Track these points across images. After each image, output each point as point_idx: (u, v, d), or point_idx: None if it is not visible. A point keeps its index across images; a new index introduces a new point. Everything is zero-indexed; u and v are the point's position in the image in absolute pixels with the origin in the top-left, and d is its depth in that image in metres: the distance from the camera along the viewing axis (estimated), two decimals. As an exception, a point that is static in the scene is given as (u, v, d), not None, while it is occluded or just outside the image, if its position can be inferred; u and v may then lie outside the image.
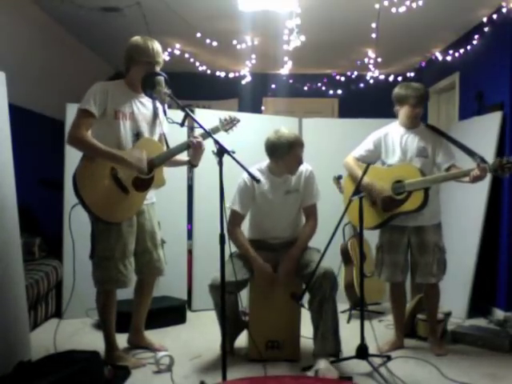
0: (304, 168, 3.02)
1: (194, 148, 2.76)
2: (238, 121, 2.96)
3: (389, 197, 2.98)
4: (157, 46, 2.72)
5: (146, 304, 3.06)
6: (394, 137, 3.08)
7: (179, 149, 2.77)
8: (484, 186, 3.78)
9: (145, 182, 2.68)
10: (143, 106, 2.79)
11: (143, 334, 3.10)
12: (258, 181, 2.52)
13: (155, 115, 2.84)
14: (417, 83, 3.06)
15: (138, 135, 2.72)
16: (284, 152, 2.86)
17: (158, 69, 2.70)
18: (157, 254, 2.89)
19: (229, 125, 2.93)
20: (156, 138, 2.85)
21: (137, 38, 2.73)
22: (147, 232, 2.85)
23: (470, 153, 2.86)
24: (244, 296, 2.97)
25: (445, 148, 2.98)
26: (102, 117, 2.60)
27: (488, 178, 3.41)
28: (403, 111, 3.04)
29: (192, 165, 2.88)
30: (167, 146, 2.86)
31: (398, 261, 3.06)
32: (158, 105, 2.85)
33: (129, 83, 2.75)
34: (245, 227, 3.07)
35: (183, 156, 2.89)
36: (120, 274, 2.68)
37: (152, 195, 2.91)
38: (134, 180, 2.64)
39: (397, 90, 3.04)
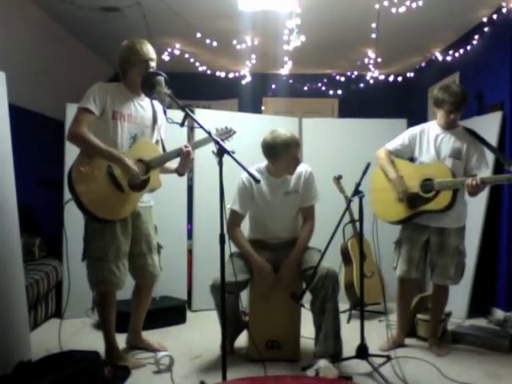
0: (304, 169, 3.01)
1: (182, 157, 2.76)
2: (234, 132, 2.98)
3: (416, 193, 2.97)
4: (146, 43, 2.74)
5: (143, 307, 3.06)
6: (429, 135, 3.06)
7: (170, 156, 2.78)
8: (484, 186, 3.78)
9: (140, 182, 2.69)
10: (142, 109, 2.79)
11: (141, 335, 3.10)
12: (257, 181, 2.52)
13: (154, 120, 2.84)
14: (456, 86, 2.99)
15: (135, 138, 2.72)
16: (280, 153, 2.85)
17: (153, 65, 2.72)
18: (151, 259, 2.89)
19: (225, 135, 2.93)
20: (153, 142, 2.86)
21: (126, 42, 2.76)
22: (143, 235, 2.85)
23: (503, 158, 2.86)
24: (244, 296, 2.97)
25: (480, 154, 2.95)
26: (100, 116, 2.61)
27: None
28: (439, 115, 3.03)
29: (179, 173, 2.86)
30: (164, 151, 2.86)
31: (413, 257, 3.06)
32: (157, 109, 2.86)
33: (128, 86, 2.76)
34: (245, 227, 3.08)
35: (172, 164, 2.88)
36: (113, 275, 2.68)
37: (149, 198, 2.91)
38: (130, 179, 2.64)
39: (435, 93, 3.01)
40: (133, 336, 3.08)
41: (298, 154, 2.92)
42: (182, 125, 2.43)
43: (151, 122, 2.83)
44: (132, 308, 3.06)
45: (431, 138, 3.05)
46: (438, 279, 3.05)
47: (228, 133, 2.96)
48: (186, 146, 2.76)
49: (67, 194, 2.58)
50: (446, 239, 3.00)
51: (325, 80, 5.87)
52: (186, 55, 5.08)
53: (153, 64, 2.72)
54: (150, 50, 2.74)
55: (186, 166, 2.83)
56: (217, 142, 2.30)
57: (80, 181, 2.49)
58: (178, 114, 2.49)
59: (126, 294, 3.05)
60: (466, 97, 2.99)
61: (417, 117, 4.87)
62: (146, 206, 2.87)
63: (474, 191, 2.77)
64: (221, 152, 2.27)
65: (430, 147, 3.04)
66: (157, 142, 2.89)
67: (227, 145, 2.32)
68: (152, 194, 2.92)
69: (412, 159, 3.13)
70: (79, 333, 3.46)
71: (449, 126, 3.03)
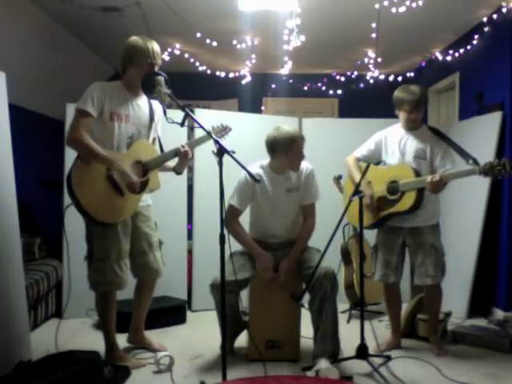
0: (305, 166, 3.02)
1: (180, 156, 2.78)
2: (230, 129, 3.00)
3: (383, 196, 2.99)
4: (156, 46, 2.72)
5: (145, 305, 3.05)
6: (394, 138, 3.08)
7: (168, 156, 2.79)
8: (484, 185, 3.78)
9: (139, 186, 2.68)
10: (139, 109, 2.78)
11: (143, 333, 3.09)
12: (257, 181, 2.52)
13: (151, 118, 2.83)
14: (415, 86, 2.98)
15: (132, 138, 2.72)
16: (287, 147, 2.86)
17: (157, 69, 2.70)
18: (153, 256, 2.89)
19: (221, 132, 2.94)
20: (150, 141, 2.85)
21: (136, 39, 2.72)
22: (142, 234, 2.85)
23: (462, 154, 2.86)
24: (244, 296, 2.97)
25: (444, 152, 2.95)
26: (98, 118, 2.60)
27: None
28: (401, 115, 3.04)
29: (176, 172, 2.88)
30: (161, 149, 2.87)
31: (390, 261, 3.06)
32: (154, 108, 2.85)
33: (126, 84, 2.74)
34: (246, 227, 3.07)
35: (171, 162, 2.89)
36: (115, 276, 2.68)
37: (147, 197, 2.90)
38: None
39: (395, 93, 3.02)
40: (134, 334, 3.08)
41: (303, 148, 2.93)
42: (182, 125, 2.43)
43: (148, 121, 2.82)
44: (134, 306, 3.06)
45: (395, 141, 3.07)
46: (419, 279, 3.03)
47: (224, 130, 2.97)
48: (182, 146, 2.77)
49: (68, 197, 2.58)
50: (421, 238, 2.99)
51: (325, 80, 5.87)
52: (186, 55, 5.08)
53: (157, 68, 2.71)
54: (158, 53, 2.72)
55: (183, 165, 2.86)
56: (217, 142, 2.30)
57: (79, 185, 2.49)
58: (178, 114, 2.49)
59: (126, 294, 3.05)
60: (426, 96, 3.00)
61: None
62: (144, 206, 2.87)
63: (435, 188, 2.76)
64: (221, 152, 2.27)
65: (394, 150, 3.06)
66: (153, 140, 2.89)
67: (226, 144, 2.31)
68: (150, 194, 2.92)
69: (380, 163, 3.17)
70: (79, 333, 3.46)
71: (411, 127, 3.03)
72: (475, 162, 2.74)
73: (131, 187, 2.58)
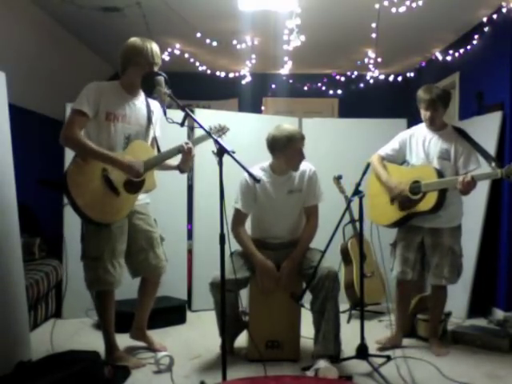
0: (308, 168, 3.02)
1: (184, 154, 2.77)
2: (228, 129, 2.99)
3: (406, 196, 2.99)
4: (155, 47, 2.72)
5: (148, 303, 3.05)
6: (418, 138, 3.08)
7: (170, 153, 2.78)
8: (484, 186, 3.78)
9: (135, 184, 2.68)
10: (137, 109, 2.77)
11: (145, 331, 3.09)
12: (257, 181, 2.52)
13: (149, 119, 2.83)
14: (437, 87, 3.01)
15: (129, 138, 2.71)
16: (285, 145, 2.85)
17: (156, 69, 2.70)
18: (153, 253, 2.88)
19: (218, 132, 2.94)
20: (148, 142, 2.85)
21: (135, 40, 2.72)
22: (141, 231, 2.84)
23: (486, 156, 2.86)
24: (244, 296, 2.97)
25: (467, 153, 2.94)
26: (93, 118, 2.60)
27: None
28: (421, 114, 3.06)
29: (181, 170, 2.87)
30: (158, 150, 2.86)
31: (408, 258, 3.07)
32: (153, 108, 2.85)
33: (124, 85, 2.74)
34: (247, 226, 3.07)
35: (173, 161, 2.88)
36: (108, 275, 2.67)
37: (145, 196, 2.90)
38: (125, 182, 2.63)
39: (418, 91, 3.04)
40: (137, 331, 3.07)
41: (302, 147, 2.92)
42: (182, 125, 2.43)
43: (146, 122, 2.82)
44: (137, 305, 3.05)
45: (420, 141, 3.07)
46: (433, 279, 3.05)
47: (221, 130, 2.97)
48: (186, 143, 2.76)
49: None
50: (440, 239, 3.00)
51: (325, 80, 5.87)
52: (186, 55, 5.08)
53: (156, 68, 2.71)
54: (157, 53, 2.72)
55: (187, 162, 2.84)
56: (217, 142, 2.30)
57: (75, 185, 2.49)
58: (178, 114, 2.49)
59: (126, 294, 3.05)
60: (445, 97, 2.98)
61: (417, 117, 4.86)
62: (141, 204, 2.86)
63: (466, 189, 2.74)
64: (221, 152, 2.27)
65: (419, 150, 3.06)
66: (152, 141, 2.88)
67: (227, 144, 2.31)
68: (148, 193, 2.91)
69: (405, 163, 3.17)
70: (79, 333, 3.46)
71: (433, 127, 3.03)
72: (498, 164, 2.74)
73: (133, 171, 2.58)
